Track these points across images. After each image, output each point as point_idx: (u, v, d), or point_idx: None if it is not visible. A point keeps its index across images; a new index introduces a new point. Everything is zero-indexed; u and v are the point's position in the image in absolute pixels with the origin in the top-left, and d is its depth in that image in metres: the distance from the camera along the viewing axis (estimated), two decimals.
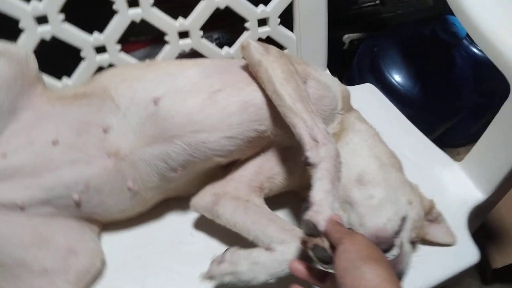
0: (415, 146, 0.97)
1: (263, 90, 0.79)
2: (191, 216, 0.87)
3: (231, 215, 0.77)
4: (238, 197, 0.80)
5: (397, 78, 1.23)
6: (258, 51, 0.81)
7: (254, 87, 0.80)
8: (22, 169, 0.75)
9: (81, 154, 0.77)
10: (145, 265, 0.79)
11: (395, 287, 0.48)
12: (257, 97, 0.78)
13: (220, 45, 1.31)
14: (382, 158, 0.81)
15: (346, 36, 1.37)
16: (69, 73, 0.94)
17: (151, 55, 1.23)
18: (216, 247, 0.81)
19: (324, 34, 1.07)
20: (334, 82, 0.88)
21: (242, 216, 0.76)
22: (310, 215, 0.60)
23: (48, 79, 0.92)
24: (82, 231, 0.78)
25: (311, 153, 0.67)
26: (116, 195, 0.79)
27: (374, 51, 1.25)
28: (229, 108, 0.77)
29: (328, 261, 0.56)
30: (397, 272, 0.70)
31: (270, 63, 0.78)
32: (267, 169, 0.83)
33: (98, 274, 0.76)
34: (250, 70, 0.81)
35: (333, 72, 1.17)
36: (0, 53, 0.79)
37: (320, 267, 0.60)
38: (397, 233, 0.71)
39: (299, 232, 0.69)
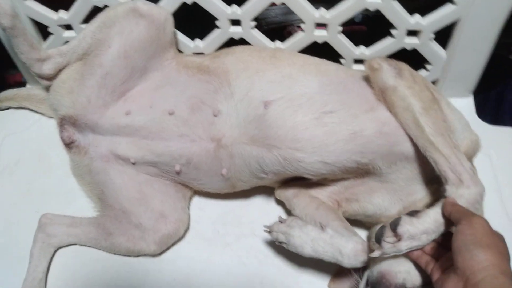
0: None
1: (378, 121, 0.74)
2: (273, 208, 0.92)
3: (304, 207, 0.83)
4: (316, 197, 0.85)
5: None
6: (391, 74, 0.74)
7: (370, 115, 0.75)
8: (140, 130, 0.85)
9: (190, 131, 0.83)
10: (219, 241, 0.89)
11: (501, 273, 0.51)
12: (370, 128, 0.74)
13: (367, 18, 1.21)
14: None
15: None
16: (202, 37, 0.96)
17: (287, 14, 1.19)
18: (282, 252, 0.85)
19: (485, 57, 0.90)
20: (464, 126, 0.79)
21: (313, 210, 0.82)
22: (404, 218, 0.64)
23: (182, 38, 0.95)
24: (176, 199, 0.88)
25: (451, 188, 0.67)
26: (210, 176, 0.86)
27: None
28: (336, 135, 0.75)
29: (378, 242, 0.65)
30: None
31: (406, 89, 0.73)
32: (350, 192, 0.83)
33: (179, 240, 0.88)
34: (377, 93, 0.76)
35: (478, 85, 1.00)
36: (142, 15, 0.84)
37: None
38: None
39: (357, 237, 0.74)
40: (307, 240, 0.74)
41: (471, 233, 0.56)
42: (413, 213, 0.65)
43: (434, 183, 0.75)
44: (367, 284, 0.71)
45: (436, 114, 0.72)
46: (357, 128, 0.74)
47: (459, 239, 0.56)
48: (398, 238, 0.64)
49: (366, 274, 0.72)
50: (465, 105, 0.95)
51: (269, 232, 0.79)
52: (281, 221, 0.78)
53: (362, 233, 0.85)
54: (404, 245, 0.64)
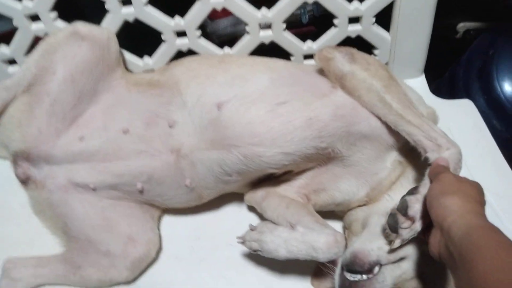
0: (502, 189, 0.84)
1: (332, 105, 0.75)
2: (246, 215, 0.90)
3: (275, 209, 0.82)
4: (285, 196, 0.83)
5: (508, 92, 1.02)
6: (345, 61, 0.75)
7: (323, 101, 0.76)
8: (96, 154, 0.82)
9: (148, 146, 0.81)
10: (194, 258, 0.85)
11: (468, 212, 0.52)
12: (325, 113, 0.74)
13: (313, 18, 1.23)
14: None
15: (461, 24, 1.16)
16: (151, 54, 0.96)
17: (237, 25, 1.20)
18: (260, 258, 0.82)
19: (427, 36, 0.92)
20: (419, 100, 0.81)
21: (284, 209, 0.80)
22: (410, 198, 0.63)
23: (130, 57, 0.94)
24: (143, 219, 0.85)
25: (432, 155, 0.67)
26: (174, 189, 0.83)
27: (488, 54, 1.05)
28: (292, 123, 0.74)
29: (394, 231, 0.64)
30: None
31: (363, 71, 0.74)
32: (316, 182, 0.82)
33: (152, 262, 0.84)
34: (335, 81, 0.76)
35: (434, 68, 1.02)
36: (84, 37, 0.83)
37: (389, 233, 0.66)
38: (380, 264, 0.67)
39: (328, 229, 0.72)
40: (280, 242, 0.72)
41: (438, 187, 0.58)
42: (412, 191, 0.65)
43: (397, 158, 0.75)
44: (342, 268, 0.68)
45: (397, 89, 0.74)
46: (312, 114, 0.74)
47: (429, 195, 0.58)
48: (412, 220, 0.63)
49: (340, 259, 0.70)
50: (418, 84, 0.97)
51: (242, 242, 0.76)
52: (252, 228, 0.76)
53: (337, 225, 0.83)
54: (419, 224, 0.63)
